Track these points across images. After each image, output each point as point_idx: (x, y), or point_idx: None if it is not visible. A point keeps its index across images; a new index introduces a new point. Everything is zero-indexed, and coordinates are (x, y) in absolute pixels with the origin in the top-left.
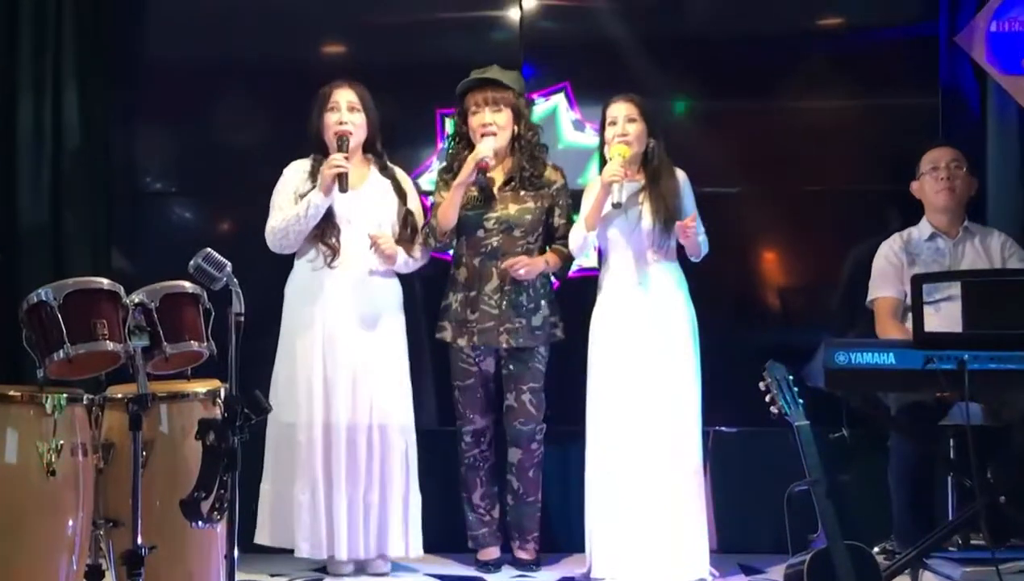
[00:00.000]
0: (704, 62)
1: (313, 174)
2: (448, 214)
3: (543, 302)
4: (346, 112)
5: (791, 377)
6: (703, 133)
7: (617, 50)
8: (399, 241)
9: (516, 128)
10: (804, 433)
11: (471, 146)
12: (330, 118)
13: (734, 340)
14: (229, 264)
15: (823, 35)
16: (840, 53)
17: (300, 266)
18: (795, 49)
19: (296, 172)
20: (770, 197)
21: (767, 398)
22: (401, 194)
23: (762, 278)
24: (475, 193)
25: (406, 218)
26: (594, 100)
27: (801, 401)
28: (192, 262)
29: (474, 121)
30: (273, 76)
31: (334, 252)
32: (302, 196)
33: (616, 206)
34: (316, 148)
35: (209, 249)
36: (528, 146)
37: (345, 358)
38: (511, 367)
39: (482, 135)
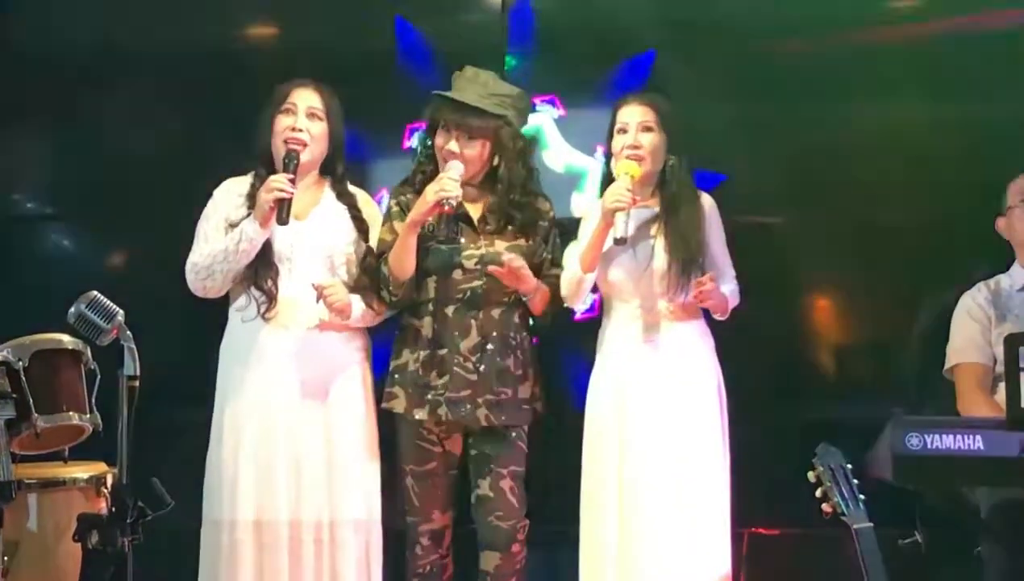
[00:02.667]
0: (741, 55)
1: (252, 197)
2: (403, 260)
3: (531, 367)
4: (303, 118)
5: (849, 466)
6: (737, 147)
7: (629, 36)
8: (355, 288)
9: (496, 161)
10: (866, 538)
11: (437, 164)
12: (282, 122)
13: (774, 415)
14: (121, 312)
15: (902, 20)
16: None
17: (232, 317)
18: (861, 41)
19: (229, 194)
20: (821, 230)
21: (818, 492)
22: (362, 227)
23: (811, 335)
24: (447, 221)
25: (366, 258)
26: (597, 107)
27: (862, 497)
28: (72, 309)
29: (439, 140)
30: (188, 70)
31: (269, 299)
32: (234, 225)
33: (620, 242)
34: (261, 161)
35: (95, 292)
36: (509, 186)
37: (286, 438)
38: (486, 447)
39: (445, 159)
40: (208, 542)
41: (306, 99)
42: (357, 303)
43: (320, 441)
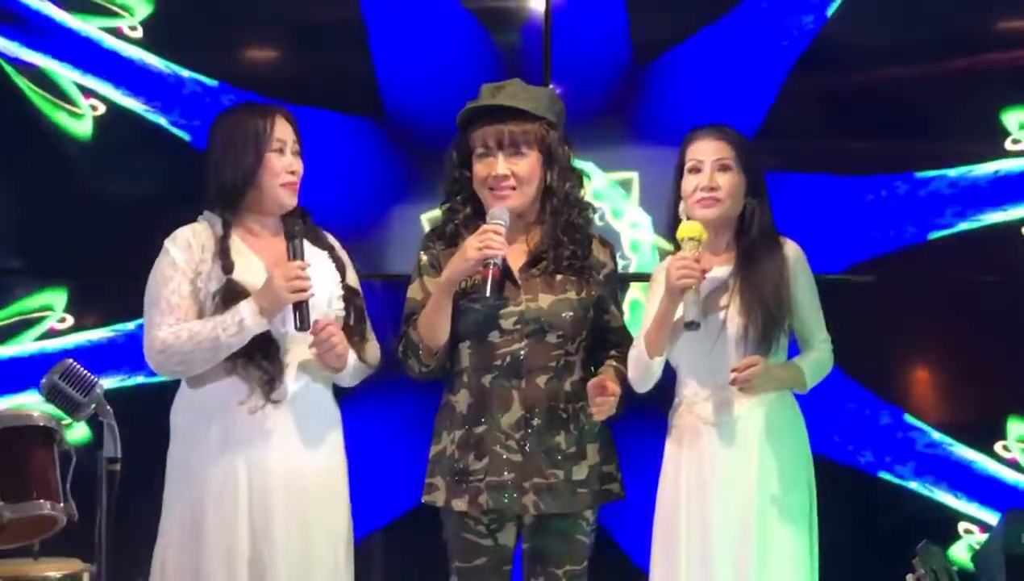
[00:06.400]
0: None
1: (223, 253)
2: (436, 326)
3: (592, 443)
4: (292, 157)
5: (955, 567)
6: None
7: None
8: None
9: (548, 177)
10: None
11: (476, 202)
12: (276, 163)
13: (864, 507)
14: (100, 383)
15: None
16: None
17: (200, 394)
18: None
19: (188, 249)
20: (920, 288)
21: None
22: (340, 267)
23: (908, 407)
24: (493, 284)
25: (349, 303)
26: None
27: None
28: (44, 380)
29: (480, 168)
30: None
31: (272, 379)
32: (215, 294)
33: (691, 327)
34: (225, 204)
35: (70, 360)
36: (565, 207)
37: (282, 534)
38: (539, 541)
39: (490, 190)
40: None
41: (289, 133)
42: (351, 354)
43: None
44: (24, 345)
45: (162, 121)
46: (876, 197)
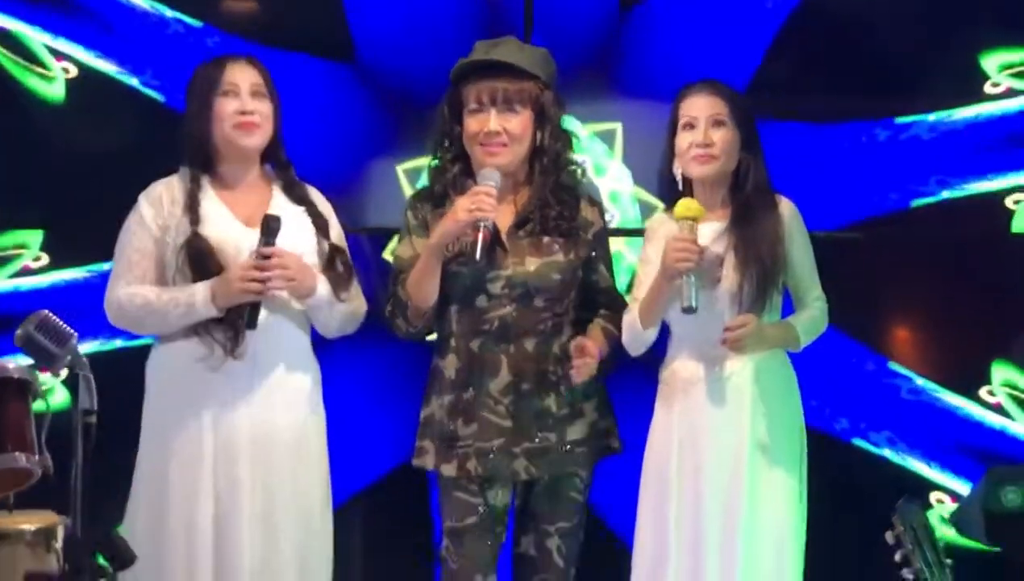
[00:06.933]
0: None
1: (191, 206)
2: (424, 286)
3: (587, 402)
4: (248, 98)
5: (934, 524)
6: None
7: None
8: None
9: (539, 137)
10: None
11: (465, 159)
12: (226, 106)
13: (849, 464)
14: (75, 335)
15: None
16: None
17: (171, 350)
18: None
19: (157, 203)
20: (907, 244)
21: (897, 556)
22: (320, 223)
23: (893, 356)
24: (483, 247)
25: (332, 259)
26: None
27: (949, 561)
28: (19, 331)
29: (472, 124)
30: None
31: (236, 334)
32: (181, 247)
33: (690, 311)
34: (193, 157)
35: (46, 311)
36: (554, 167)
37: (247, 496)
38: (531, 498)
39: (481, 146)
40: None
41: (247, 76)
42: (322, 285)
43: (289, 499)
44: None
45: (134, 82)
46: (856, 145)
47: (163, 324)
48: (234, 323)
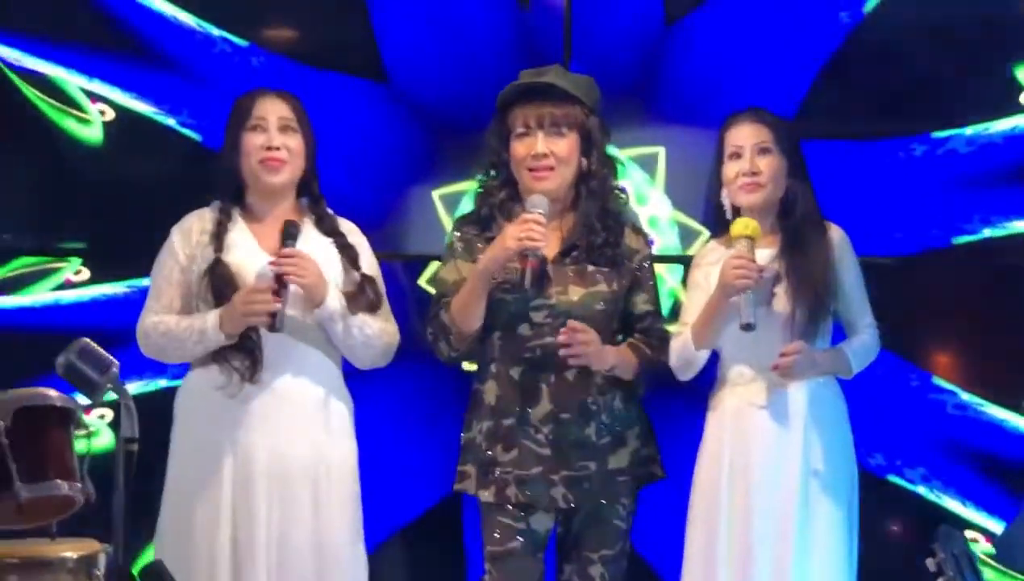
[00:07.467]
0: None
1: (218, 236)
2: (470, 312)
3: (629, 430)
4: (276, 133)
5: (976, 553)
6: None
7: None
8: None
9: (584, 163)
10: None
11: (513, 185)
12: (252, 141)
13: (892, 494)
14: (117, 363)
15: None
16: None
17: (196, 377)
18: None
19: (187, 235)
20: (951, 271)
21: None
22: (350, 255)
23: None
24: (533, 276)
25: (362, 287)
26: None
27: None
28: (61, 358)
29: (519, 148)
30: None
31: (254, 363)
32: (202, 277)
33: (748, 329)
34: (224, 190)
35: (87, 340)
36: (600, 194)
37: (262, 524)
38: (574, 526)
39: (531, 170)
40: None
41: (276, 110)
42: (333, 299)
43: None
44: (38, 295)
45: (171, 122)
46: (893, 160)
47: (183, 352)
48: (251, 351)
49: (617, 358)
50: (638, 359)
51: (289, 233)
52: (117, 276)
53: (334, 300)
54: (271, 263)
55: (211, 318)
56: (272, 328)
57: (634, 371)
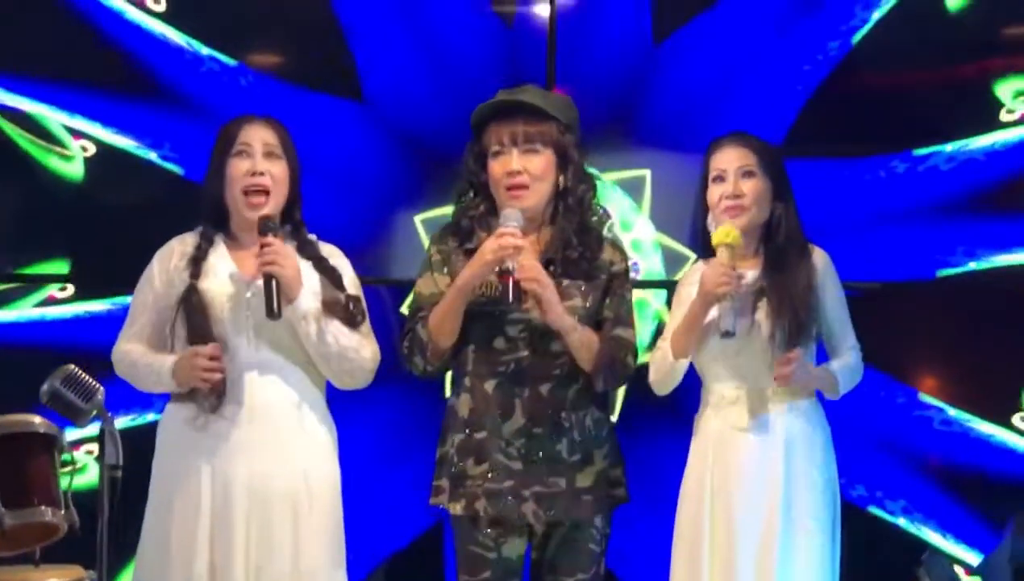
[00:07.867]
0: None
1: (196, 261)
2: (447, 326)
3: (598, 449)
4: (261, 159)
5: (959, 576)
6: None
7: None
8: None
9: (561, 179)
10: None
11: (491, 203)
12: (237, 167)
13: (872, 525)
14: (102, 389)
15: None
16: None
17: (173, 408)
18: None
19: (167, 259)
20: (921, 295)
21: None
22: (333, 277)
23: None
24: (512, 290)
25: (347, 307)
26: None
27: None
28: (45, 386)
29: (495, 167)
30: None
31: (216, 395)
32: (177, 303)
33: (728, 336)
34: (207, 215)
35: (72, 366)
36: (577, 209)
37: (240, 550)
38: (548, 550)
39: (507, 189)
40: None
41: (261, 136)
42: (307, 299)
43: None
44: (23, 310)
45: (152, 156)
46: (875, 178)
47: (146, 387)
48: (215, 385)
49: (571, 325)
50: (599, 347)
51: (267, 226)
52: (102, 294)
53: (308, 299)
54: (256, 256)
55: (167, 364)
56: (215, 399)
57: (593, 356)
